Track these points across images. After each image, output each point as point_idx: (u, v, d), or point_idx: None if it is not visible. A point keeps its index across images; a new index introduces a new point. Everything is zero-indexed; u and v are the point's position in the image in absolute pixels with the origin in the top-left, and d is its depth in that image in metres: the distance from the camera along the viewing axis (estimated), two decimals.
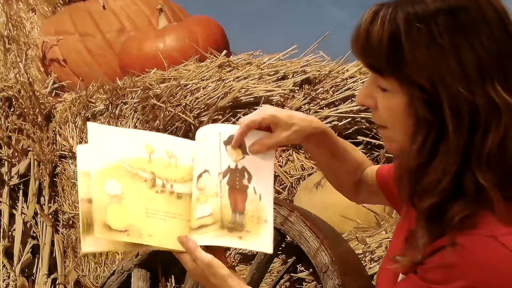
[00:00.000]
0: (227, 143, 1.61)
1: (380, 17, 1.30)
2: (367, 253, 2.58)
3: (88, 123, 1.62)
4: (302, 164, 3.15)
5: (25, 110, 3.79)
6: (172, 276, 2.91)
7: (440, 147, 1.29)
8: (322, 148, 1.64)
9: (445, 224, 1.30)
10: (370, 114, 1.42)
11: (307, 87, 3.25)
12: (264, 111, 1.57)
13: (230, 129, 1.62)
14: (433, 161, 1.30)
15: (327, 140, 1.64)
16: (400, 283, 1.36)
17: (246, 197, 1.60)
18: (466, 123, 1.28)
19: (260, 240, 1.59)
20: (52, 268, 3.65)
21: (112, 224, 1.55)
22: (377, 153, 3.14)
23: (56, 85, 4.02)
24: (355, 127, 3.16)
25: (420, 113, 1.30)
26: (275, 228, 2.58)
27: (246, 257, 2.95)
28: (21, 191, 3.78)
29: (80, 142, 3.61)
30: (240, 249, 2.90)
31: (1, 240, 3.66)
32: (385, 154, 3.05)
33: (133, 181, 1.58)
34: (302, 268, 2.72)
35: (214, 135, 1.61)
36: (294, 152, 3.17)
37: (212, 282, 1.55)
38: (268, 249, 1.60)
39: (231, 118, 3.25)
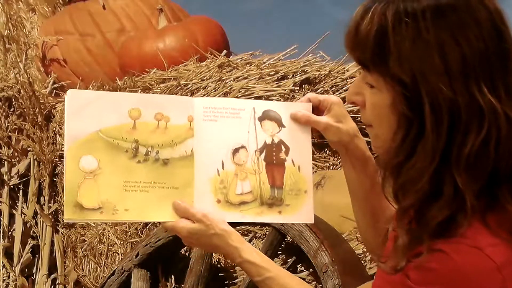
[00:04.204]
0: (261, 118, 1.62)
1: (371, 11, 1.30)
2: (367, 253, 2.58)
3: (69, 90, 1.56)
4: None
5: (25, 110, 3.79)
6: (172, 276, 2.91)
7: (418, 145, 1.27)
8: (362, 175, 1.63)
9: (423, 227, 1.28)
10: (362, 122, 1.42)
11: (307, 87, 3.24)
12: (329, 96, 1.62)
13: (264, 105, 1.63)
14: (411, 159, 1.28)
15: (368, 169, 1.63)
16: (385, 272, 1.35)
17: (284, 170, 1.62)
18: (446, 122, 1.26)
19: (301, 212, 1.62)
20: (52, 268, 3.65)
21: (84, 203, 1.53)
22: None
23: (56, 85, 4.02)
24: None
25: (401, 110, 1.29)
26: (275, 228, 2.58)
27: None
28: (21, 191, 3.78)
29: None
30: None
31: (1, 240, 3.66)
32: None
33: (112, 153, 1.55)
34: (302, 268, 2.72)
35: (248, 110, 1.62)
36: None
37: (214, 243, 1.55)
38: (310, 219, 1.63)
39: None
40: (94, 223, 3.42)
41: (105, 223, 3.39)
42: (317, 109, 1.64)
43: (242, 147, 1.60)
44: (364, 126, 1.43)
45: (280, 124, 1.62)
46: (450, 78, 1.25)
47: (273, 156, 1.62)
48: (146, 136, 1.57)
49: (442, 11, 1.27)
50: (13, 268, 3.62)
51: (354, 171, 1.64)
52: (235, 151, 1.60)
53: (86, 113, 1.55)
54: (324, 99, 1.63)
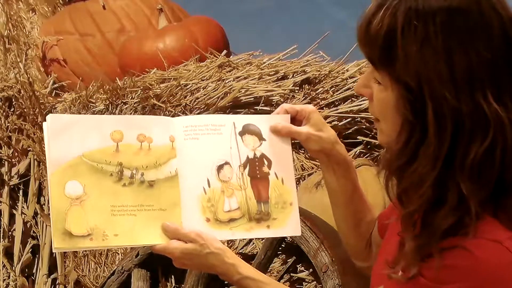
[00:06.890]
0: (242, 133, 1.61)
1: (382, 9, 1.29)
2: None
3: (49, 115, 1.53)
4: (302, 164, 3.15)
5: (25, 110, 3.79)
6: (172, 276, 2.91)
7: (420, 150, 1.26)
8: (343, 180, 1.63)
9: (431, 233, 1.27)
10: (370, 114, 1.42)
11: (307, 87, 3.24)
12: (306, 105, 1.62)
13: (243, 119, 1.62)
14: (413, 164, 1.27)
15: (350, 174, 1.63)
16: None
17: (268, 184, 1.61)
18: (449, 130, 1.24)
19: (288, 225, 1.61)
20: (52, 268, 3.65)
21: (73, 230, 1.49)
22: (377, 153, 3.14)
23: (56, 85, 4.02)
24: (355, 127, 3.16)
25: (404, 113, 1.28)
26: None
27: (246, 257, 2.95)
28: (21, 191, 3.78)
29: None
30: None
31: (1, 240, 3.66)
32: None
33: (97, 177, 1.52)
34: (302, 268, 2.72)
35: (228, 125, 1.60)
36: (294, 152, 3.17)
37: (209, 262, 1.53)
38: (297, 232, 1.63)
39: None
40: None
41: None
42: (295, 120, 1.63)
43: (226, 163, 1.59)
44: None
45: (261, 138, 1.61)
46: (455, 86, 1.24)
47: (257, 171, 1.61)
48: (130, 158, 1.54)
49: (452, 15, 1.26)
50: (13, 268, 3.62)
51: (335, 177, 1.63)
52: (220, 167, 1.58)
53: (68, 137, 1.52)
54: (301, 109, 1.62)
